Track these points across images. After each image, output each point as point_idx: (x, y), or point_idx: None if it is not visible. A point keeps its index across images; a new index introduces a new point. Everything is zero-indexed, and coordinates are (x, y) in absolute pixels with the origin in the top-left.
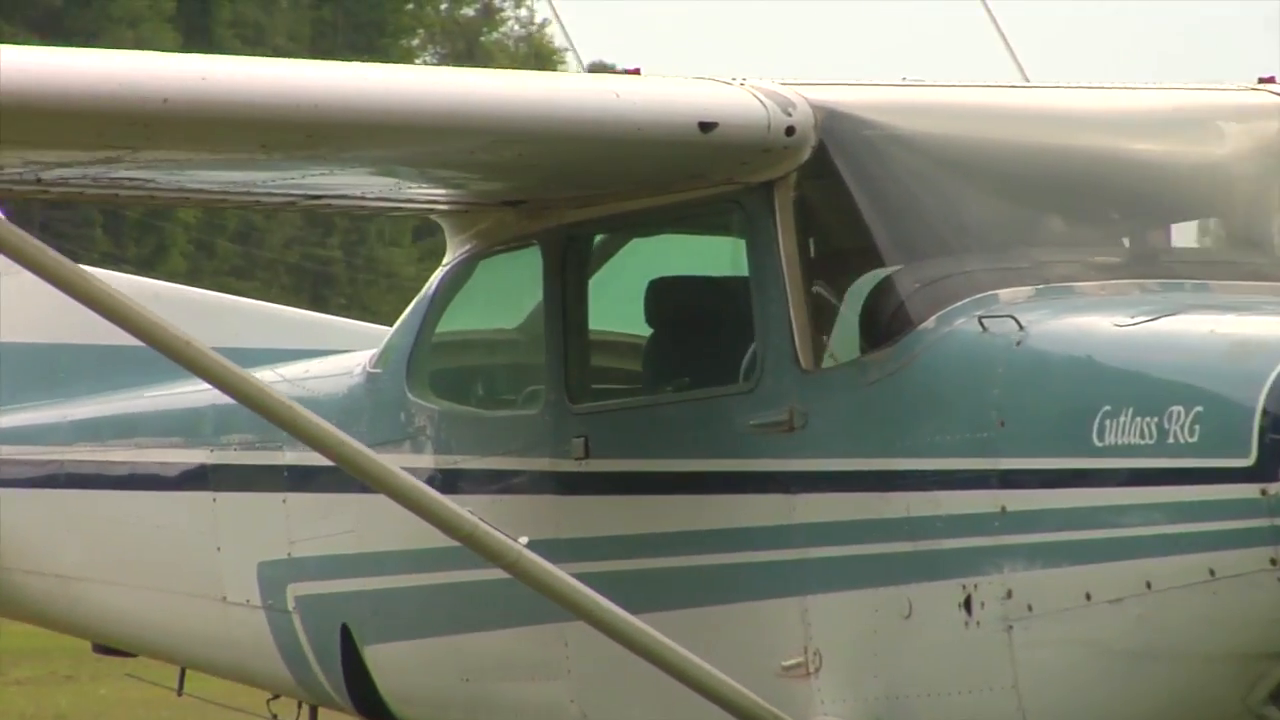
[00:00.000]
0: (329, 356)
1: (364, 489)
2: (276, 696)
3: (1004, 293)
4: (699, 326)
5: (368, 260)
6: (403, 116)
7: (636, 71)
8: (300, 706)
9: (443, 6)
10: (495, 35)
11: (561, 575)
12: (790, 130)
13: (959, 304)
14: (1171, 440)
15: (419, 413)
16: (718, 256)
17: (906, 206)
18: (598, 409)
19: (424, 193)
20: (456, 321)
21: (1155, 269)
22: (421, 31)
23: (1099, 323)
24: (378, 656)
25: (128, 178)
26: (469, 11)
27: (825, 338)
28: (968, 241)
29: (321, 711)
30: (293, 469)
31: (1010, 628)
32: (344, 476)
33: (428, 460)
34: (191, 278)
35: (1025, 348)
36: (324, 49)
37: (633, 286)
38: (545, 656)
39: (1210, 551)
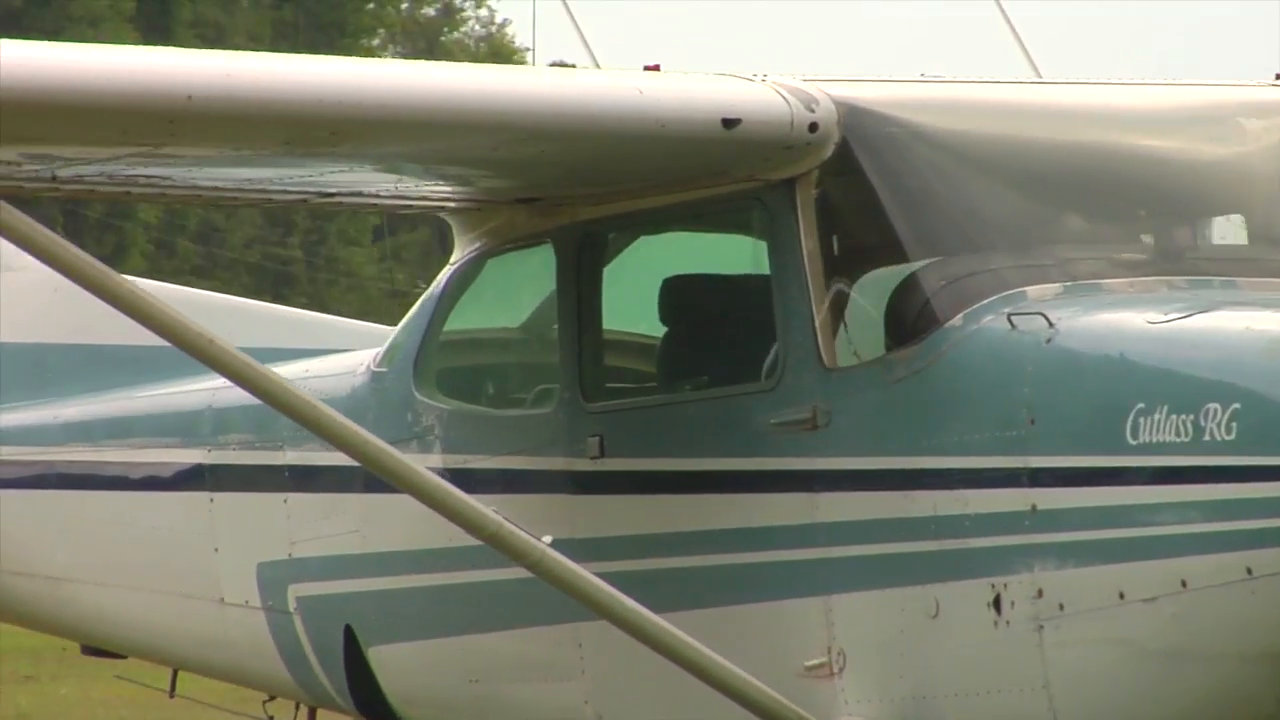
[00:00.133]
0: (329, 355)
1: (368, 489)
2: (273, 698)
3: (1031, 290)
4: (717, 325)
5: (328, 260)
6: (428, 112)
7: (656, 68)
8: (298, 708)
9: (403, 6)
10: (456, 35)
11: (585, 574)
12: (813, 126)
13: (986, 301)
14: (1208, 438)
15: (427, 412)
16: (735, 254)
17: (931, 203)
18: (613, 408)
19: (437, 190)
20: (465, 320)
21: (1182, 266)
22: (382, 31)
23: (1131, 320)
24: (382, 657)
25: (144, 175)
26: (430, 11)
27: (848, 335)
28: (993, 239)
29: (321, 713)
30: (294, 469)
31: (1041, 627)
32: (347, 476)
33: (436, 460)
34: (151, 277)
35: (1055, 345)
36: (284, 49)
37: (648, 284)
38: (558, 657)
39: (1247, 550)
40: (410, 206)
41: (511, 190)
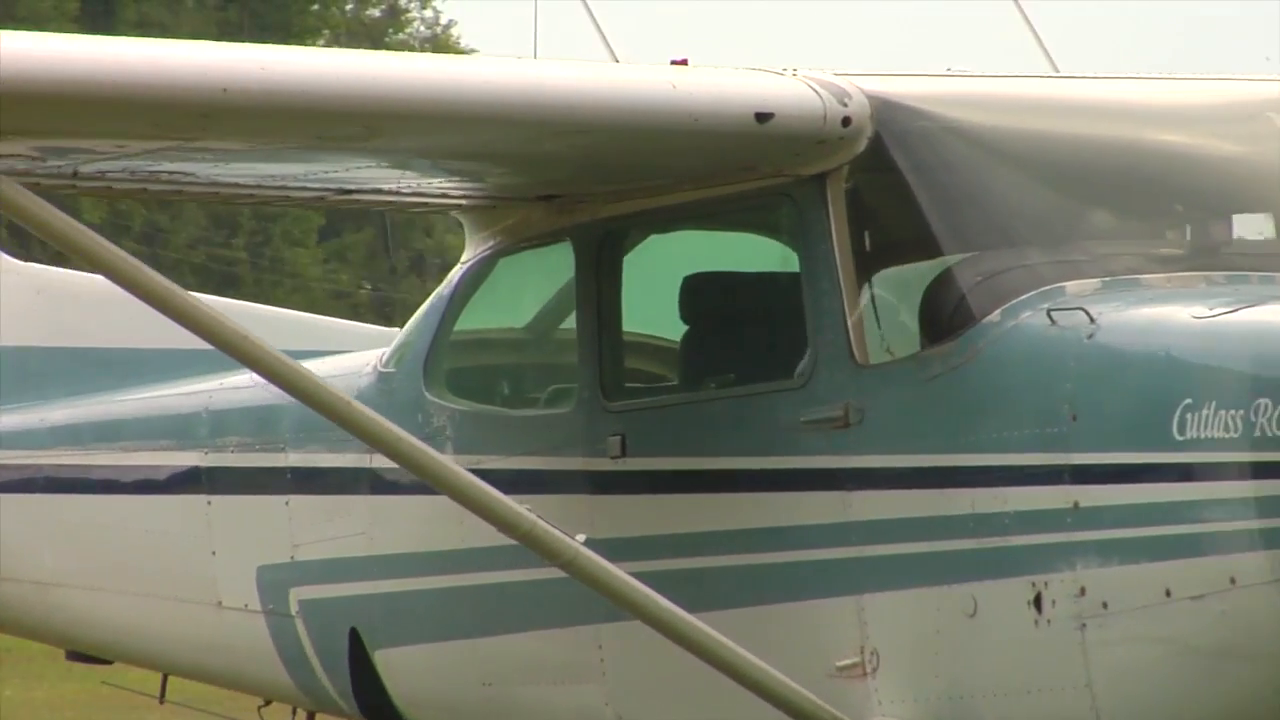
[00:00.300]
0: (331, 357)
1: (375, 490)
2: (268, 703)
3: (1070, 285)
4: (743, 322)
5: (273, 261)
6: (461, 106)
7: (684, 62)
8: (295, 713)
9: (348, 7)
10: (401, 36)
11: (619, 573)
12: (846, 121)
13: (1024, 297)
14: (1259, 433)
15: (438, 412)
16: (761, 251)
17: (965, 198)
18: (635, 406)
19: (456, 187)
20: (477, 320)
21: (1218, 261)
22: (327, 32)
23: (1176, 314)
24: (389, 660)
25: (166, 171)
26: (375, 12)
27: (881, 332)
28: (1029, 234)
29: (321, 717)
30: (296, 470)
31: (1083, 625)
32: (353, 478)
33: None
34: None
35: (1097, 340)
36: None
37: (670, 282)
38: (577, 659)
39: None
40: (427, 204)
41: (532, 187)
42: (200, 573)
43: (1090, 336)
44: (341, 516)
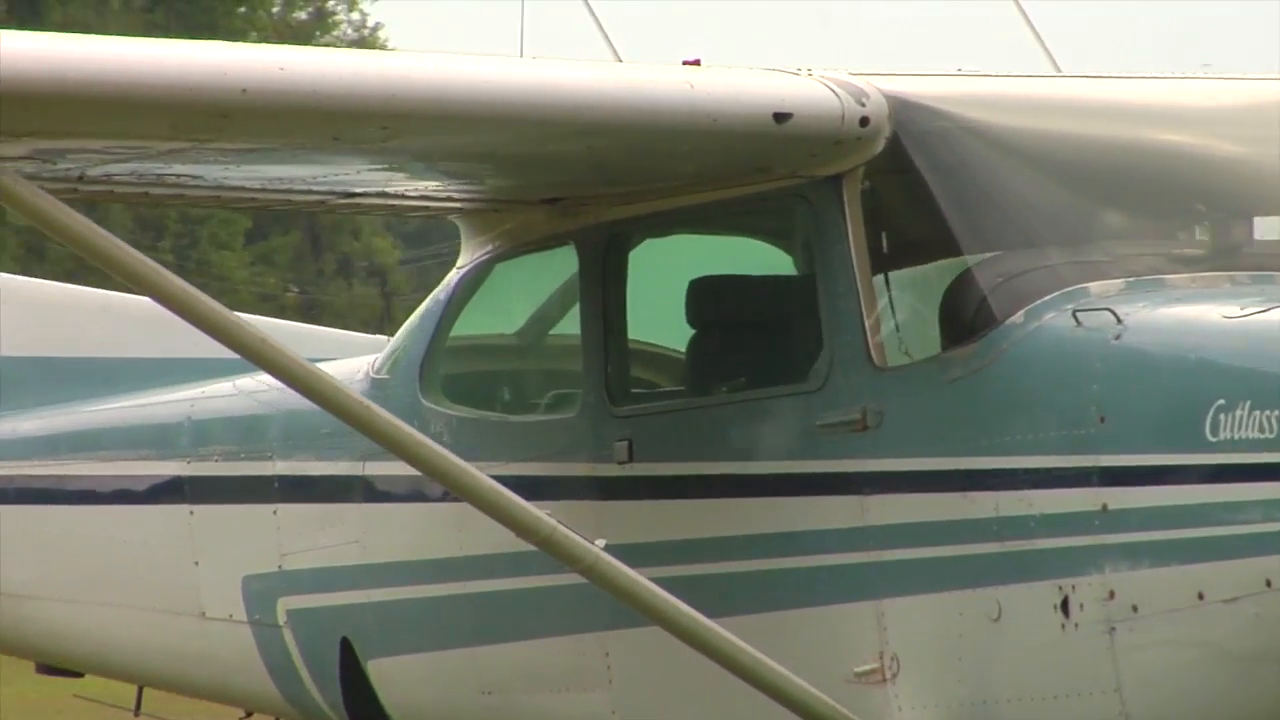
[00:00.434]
0: (322, 363)
1: (369, 499)
2: (249, 715)
3: (1094, 286)
4: (755, 325)
5: (199, 263)
6: (480, 106)
7: (697, 62)
8: None
9: (275, 9)
10: (328, 39)
11: (639, 579)
12: (864, 121)
13: (1048, 298)
14: None
15: (435, 419)
16: (773, 253)
17: (985, 199)
18: (642, 411)
19: (461, 190)
20: (475, 324)
21: (1240, 261)
22: (254, 34)
23: (1206, 314)
24: (383, 670)
25: (172, 174)
26: (301, 15)
27: (899, 334)
28: (1050, 235)
29: None
30: (285, 479)
31: (1113, 629)
32: (345, 486)
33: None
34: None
35: (1125, 341)
36: None
37: (679, 285)
38: (583, 667)
39: None
40: (428, 208)
41: (537, 189)
42: (182, 583)
43: (1118, 337)
44: (333, 525)
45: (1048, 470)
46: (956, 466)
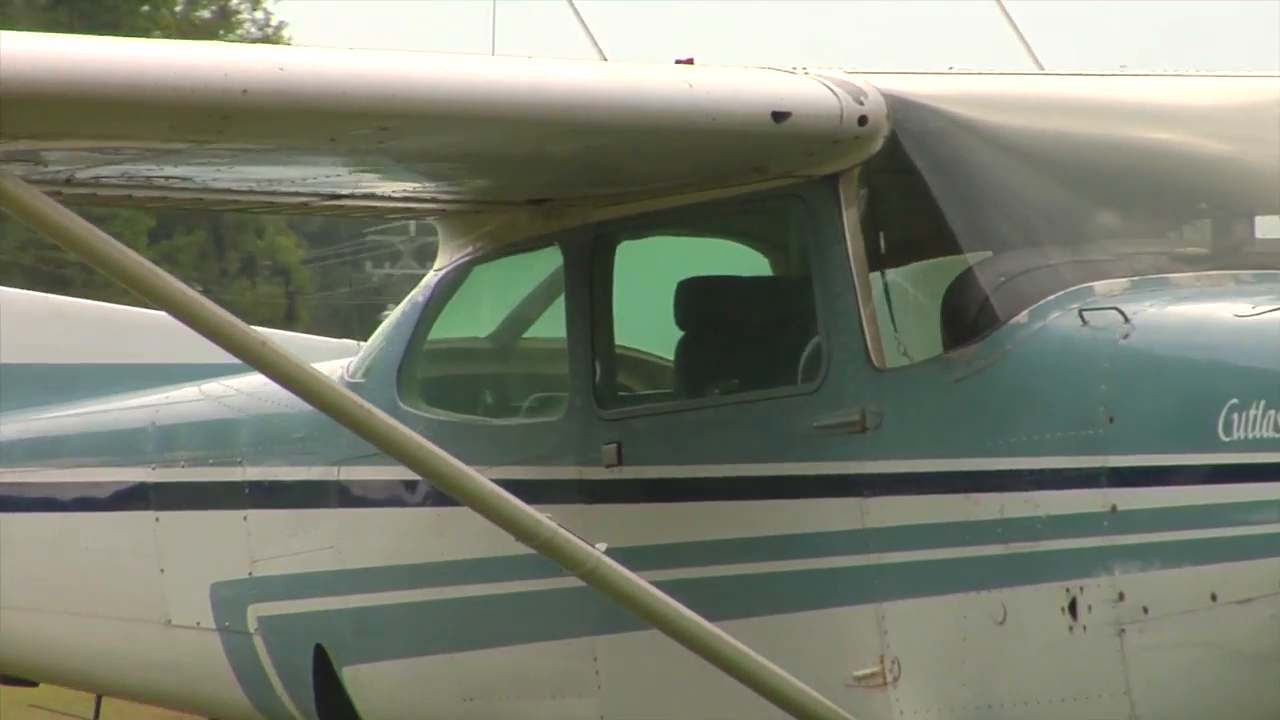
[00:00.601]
0: None
1: (344, 504)
2: None
3: (1098, 285)
4: (748, 326)
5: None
6: (480, 107)
7: (690, 61)
8: None
9: (178, 8)
10: (232, 38)
11: (640, 583)
12: (863, 120)
13: (1052, 297)
14: None
15: (413, 423)
16: (765, 253)
17: (986, 198)
18: (632, 414)
19: (447, 191)
20: (455, 327)
21: (1243, 260)
22: (158, 33)
23: (1216, 313)
24: (359, 677)
25: (162, 176)
26: (205, 14)
27: (898, 335)
28: (1052, 234)
29: None
30: (256, 485)
31: (1122, 631)
32: (320, 491)
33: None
34: None
35: (1134, 340)
36: None
37: (667, 286)
38: (570, 672)
39: None
40: (413, 209)
41: (524, 190)
42: (147, 591)
43: (1126, 337)
44: (306, 531)
45: (1054, 471)
46: (960, 468)
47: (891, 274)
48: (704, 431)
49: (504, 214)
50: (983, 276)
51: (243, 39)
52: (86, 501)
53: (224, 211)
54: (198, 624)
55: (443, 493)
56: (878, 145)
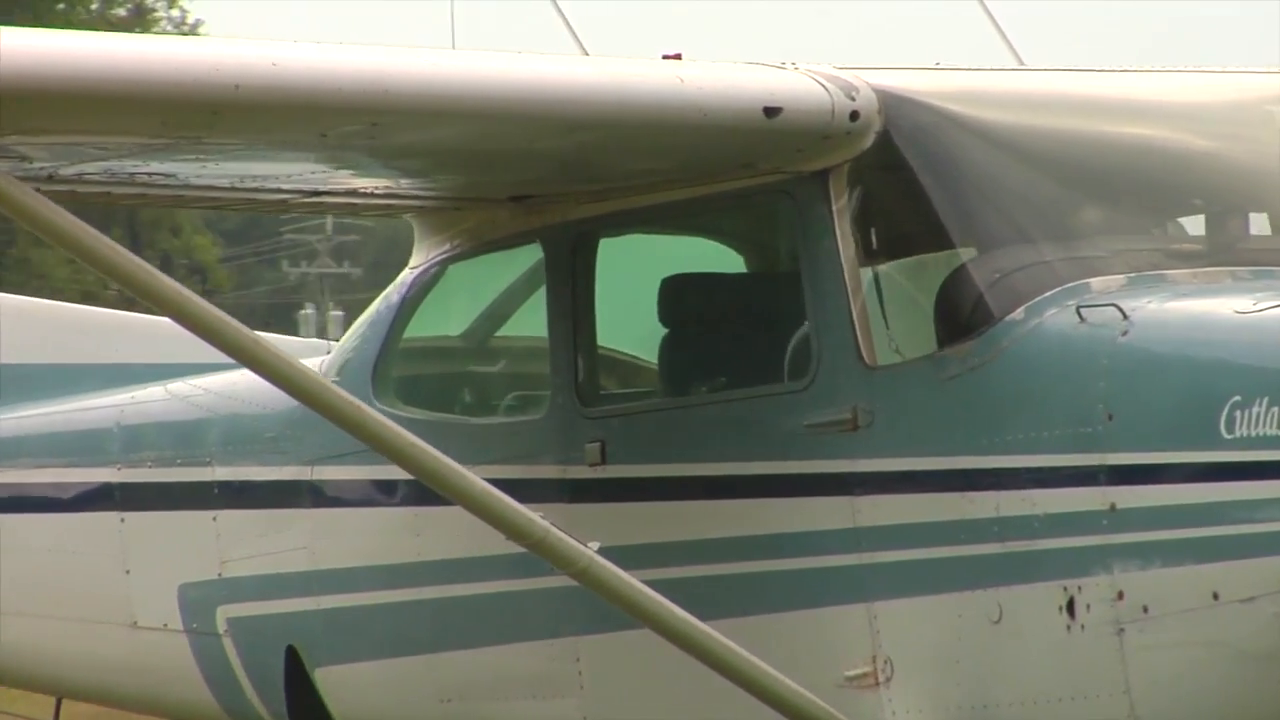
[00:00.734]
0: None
1: (317, 504)
2: None
3: (1095, 281)
4: (735, 323)
5: (18, 261)
6: (470, 102)
7: (678, 56)
8: None
9: (93, 6)
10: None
11: (633, 582)
12: (854, 115)
13: (1048, 294)
14: None
15: None
16: (752, 250)
17: (979, 194)
18: (616, 412)
19: (428, 187)
20: (432, 325)
21: (1237, 256)
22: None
23: (1217, 309)
24: (332, 678)
25: (145, 174)
26: (121, 12)
27: (890, 332)
28: (1048, 230)
29: None
30: (225, 485)
31: (1121, 630)
32: (292, 491)
33: (403, 471)
34: None
35: (1133, 337)
36: None
37: (650, 283)
38: (552, 672)
39: None
40: (393, 206)
41: (506, 186)
42: (112, 592)
43: (1125, 333)
44: (278, 531)
45: (1052, 469)
46: (954, 466)
47: (883, 271)
48: (691, 430)
49: (484, 211)
50: (977, 273)
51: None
52: (49, 502)
53: (202, 209)
54: (164, 625)
55: (420, 492)
56: (869, 141)
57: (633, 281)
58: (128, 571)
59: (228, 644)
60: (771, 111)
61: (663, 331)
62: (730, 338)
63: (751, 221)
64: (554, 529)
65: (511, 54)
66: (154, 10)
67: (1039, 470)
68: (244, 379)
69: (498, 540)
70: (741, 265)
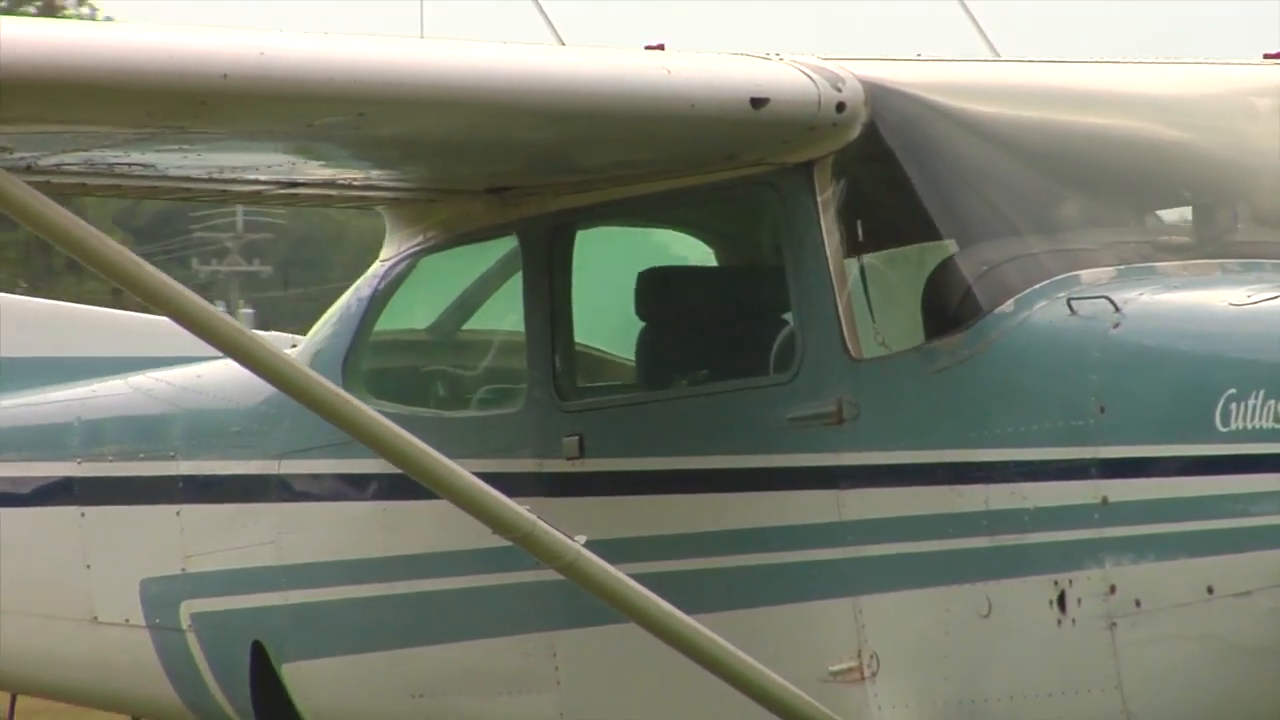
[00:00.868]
0: (222, 360)
1: (284, 498)
2: None
3: (1085, 274)
4: (716, 316)
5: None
6: (458, 92)
7: (661, 47)
8: None
9: (3, 4)
10: None
11: (620, 576)
12: (841, 106)
13: (1038, 286)
14: None
15: None
16: (732, 242)
17: (967, 186)
18: (594, 405)
19: (404, 179)
20: (404, 318)
21: (1226, 249)
22: None
23: (1210, 301)
24: (300, 673)
25: (125, 164)
26: (31, 9)
27: (875, 325)
28: (1037, 222)
29: None
30: (190, 479)
31: (1113, 625)
32: (259, 485)
33: (372, 465)
34: None
35: (1126, 329)
36: None
37: (629, 276)
38: (528, 668)
39: None
40: (367, 198)
41: (484, 178)
42: (73, 587)
43: (1117, 326)
44: (245, 525)
45: (1043, 462)
46: (942, 459)
47: (869, 263)
48: (669, 423)
49: (460, 202)
50: (965, 265)
51: None
52: (8, 497)
53: (177, 200)
54: (126, 621)
55: (392, 486)
56: (855, 132)
57: (612, 273)
58: (88, 566)
59: (191, 639)
60: (758, 102)
61: (643, 324)
62: (713, 330)
63: (732, 214)
64: (541, 523)
65: (500, 44)
66: (64, 7)
67: (1029, 463)
68: (209, 372)
69: (472, 535)
70: (723, 258)
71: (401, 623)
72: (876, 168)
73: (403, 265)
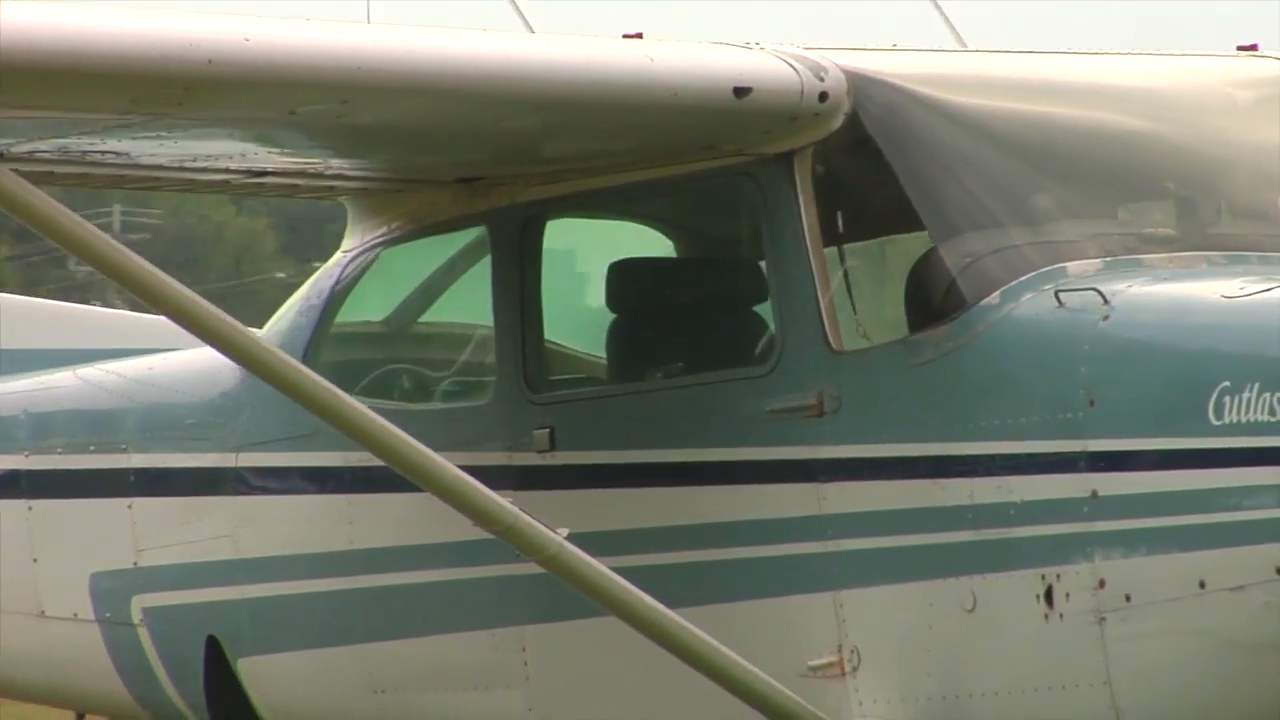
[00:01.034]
0: (174, 352)
1: (241, 491)
2: (81, 717)
3: (1071, 266)
4: (691, 308)
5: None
6: (441, 79)
7: (639, 36)
8: None
9: None
10: None
11: (601, 569)
12: (824, 96)
13: (1024, 278)
14: None
15: None
16: (710, 233)
17: (951, 177)
18: (565, 398)
19: (375, 168)
20: (368, 309)
21: (1210, 241)
22: None
23: (1201, 293)
24: (256, 669)
25: (98, 152)
26: None
27: (857, 317)
28: (1022, 214)
29: None
30: (142, 472)
31: (1103, 619)
32: (214, 478)
33: (334, 458)
34: None
35: (1115, 322)
36: None
37: (601, 267)
38: (496, 663)
39: None
40: (334, 188)
41: (457, 168)
42: (19, 581)
43: (1106, 318)
44: (199, 519)
45: (1030, 456)
46: (925, 453)
47: (850, 255)
48: (643, 416)
49: (427, 193)
50: (949, 257)
51: None
52: None
53: (142, 189)
54: (74, 615)
55: (354, 480)
56: (838, 123)
57: (584, 265)
58: (35, 560)
59: (143, 634)
60: (741, 92)
61: (615, 316)
62: (688, 322)
63: (709, 204)
64: (524, 515)
65: (482, 32)
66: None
67: (1016, 457)
68: (161, 365)
69: (438, 529)
70: (698, 249)
71: (364, 617)
72: (858, 158)
73: (366, 256)
